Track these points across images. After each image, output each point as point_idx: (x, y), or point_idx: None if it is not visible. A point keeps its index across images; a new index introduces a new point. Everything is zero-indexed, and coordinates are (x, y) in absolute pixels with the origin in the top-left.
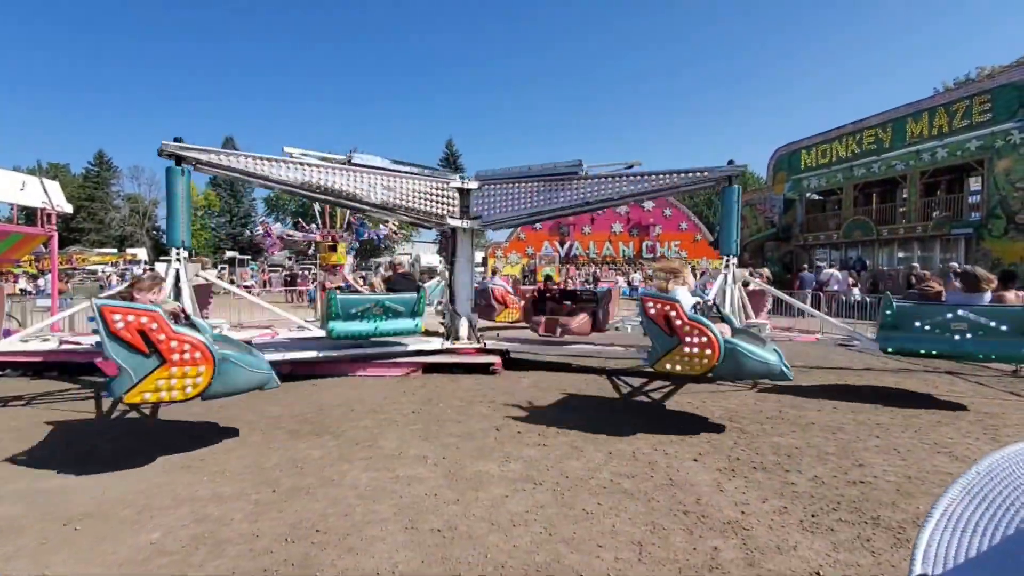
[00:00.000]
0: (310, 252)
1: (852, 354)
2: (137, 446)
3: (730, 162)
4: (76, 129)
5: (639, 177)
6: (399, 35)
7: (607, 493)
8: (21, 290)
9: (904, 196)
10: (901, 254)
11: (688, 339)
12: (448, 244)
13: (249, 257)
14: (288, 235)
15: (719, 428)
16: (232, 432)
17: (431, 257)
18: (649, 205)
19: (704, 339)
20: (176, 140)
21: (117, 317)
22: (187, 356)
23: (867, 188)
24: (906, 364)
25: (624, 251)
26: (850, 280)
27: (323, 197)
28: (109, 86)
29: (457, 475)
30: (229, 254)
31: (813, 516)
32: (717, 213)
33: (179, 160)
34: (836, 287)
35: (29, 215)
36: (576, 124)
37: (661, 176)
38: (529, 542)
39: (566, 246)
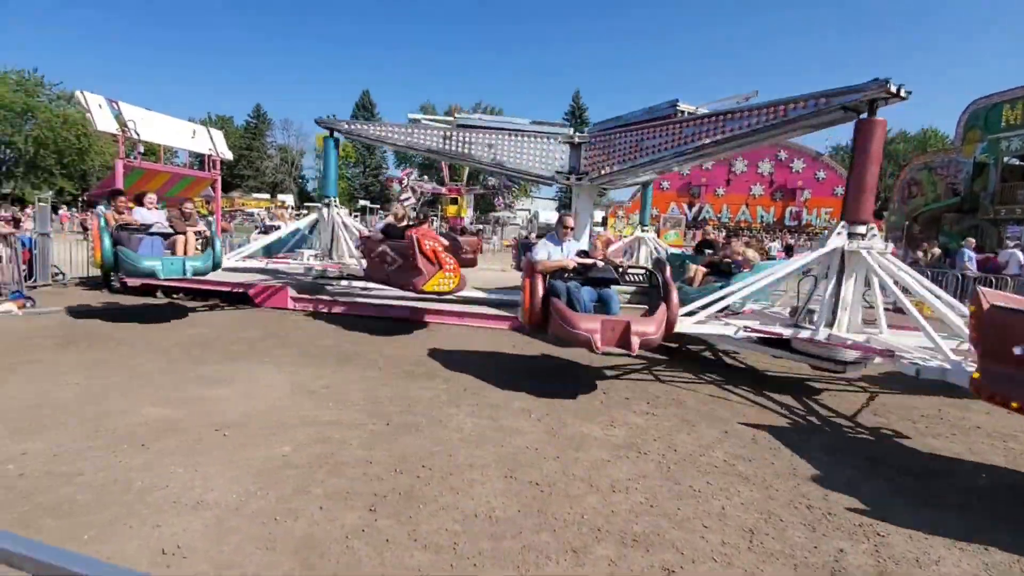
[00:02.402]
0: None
1: None
2: (273, 371)
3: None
4: (239, 85)
5: (744, 113)
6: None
7: (719, 473)
8: None
9: None
10: None
11: None
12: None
13: (379, 206)
14: (420, 185)
15: (862, 423)
16: (354, 366)
17: (550, 214)
18: (799, 166)
19: None
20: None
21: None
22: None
23: None
24: None
25: (763, 216)
26: None
27: (437, 156)
28: (269, 47)
29: (558, 433)
30: (361, 203)
31: (965, 531)
32: (882, 179)
33: (331, 131)
34: (1017, 270)
35: (202, 161)
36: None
37: (773, 108)
38: (628, 510)
39: (695, 208)
